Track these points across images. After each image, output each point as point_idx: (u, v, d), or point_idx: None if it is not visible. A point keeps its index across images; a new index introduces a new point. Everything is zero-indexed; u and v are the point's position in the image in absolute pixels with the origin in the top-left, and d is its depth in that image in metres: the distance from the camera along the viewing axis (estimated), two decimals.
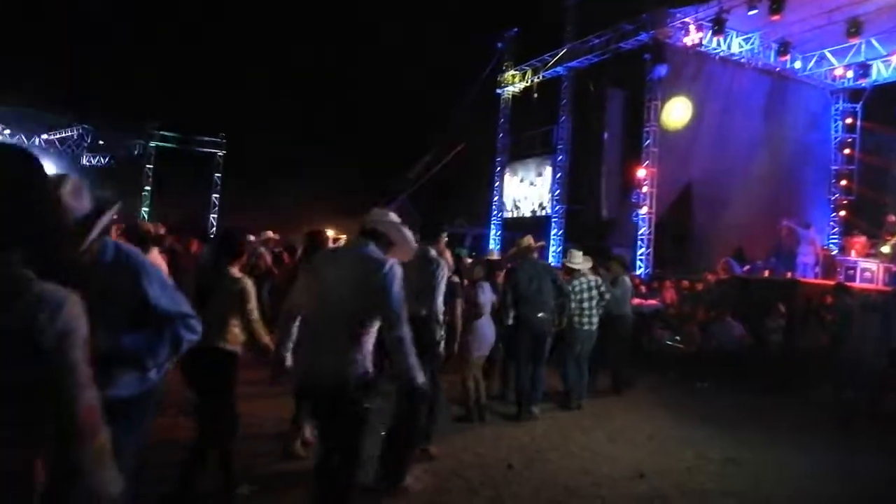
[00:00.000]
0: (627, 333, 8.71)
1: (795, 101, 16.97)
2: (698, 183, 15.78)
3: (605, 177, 18.49)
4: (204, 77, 25.43)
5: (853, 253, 12.68)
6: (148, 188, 24.17)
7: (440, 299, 4.70)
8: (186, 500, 3.76)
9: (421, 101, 24.60)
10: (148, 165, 24.20)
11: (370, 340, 3.09)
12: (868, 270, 11.88)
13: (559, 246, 18.28)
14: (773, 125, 16.42)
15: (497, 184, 22.09)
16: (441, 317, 4.78)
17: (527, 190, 22.10)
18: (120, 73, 23.44)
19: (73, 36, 22.82)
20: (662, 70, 14.89)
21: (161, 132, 24.14)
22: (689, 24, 14.60)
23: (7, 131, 22.54)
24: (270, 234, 10.89)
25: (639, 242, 15.43)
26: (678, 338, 10.50)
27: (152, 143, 24.19)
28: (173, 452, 3.92)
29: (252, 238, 9.62)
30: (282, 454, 4.84)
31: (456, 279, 5.87)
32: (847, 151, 17.42)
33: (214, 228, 22.60)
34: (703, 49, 15.15)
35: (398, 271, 3.06)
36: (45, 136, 22.81)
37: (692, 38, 14.61)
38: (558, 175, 19.17)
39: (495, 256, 8.41)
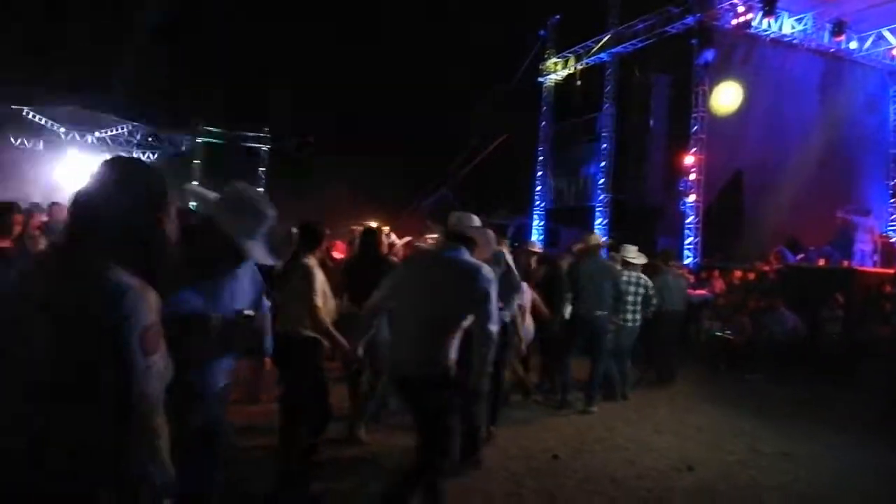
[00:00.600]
0: (674, 327, 8.52)
1: (851, 82, 16.31)
2: (749, 169, 15.37)
3: (651, 165, 18.13)
4: (249, 72, 25.86)
5: None
6: (195, 183, 24.77)
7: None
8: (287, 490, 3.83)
9: (463, 92, 24.52)
10: (195, 161, 24.79)
11: (458, 337, 3.31)
12: None
13: (604, 237, 18.01)
14: (828, 108, 15.81)
15: (540, 173, 21.89)
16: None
17: (570, 179, 21.83)
18: (168, 71, 24.02)
19: (124, 36, 23.47)
20: (710, 54, 14.51)
21: (207, 128, 24.71)
22: (737, 5, 14.17)
23: (62, 130, 23.39)
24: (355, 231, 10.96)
25: (686, 231, 15.11)
26: (728, 329, 10.23)
27: (199, 139, 24.78)
28: (264, 438, 4.07)
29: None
30: (346, 438, 4.98)
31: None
32: None
33: None
34: (753, 31, 14.70)
35: (493, 275, 3.33)
36: (97, 134, 23.54)
37: (741, 19, 14.17)
38: (602, 164, 18.88)
39: (536, 249, 8.38)
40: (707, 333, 10.46)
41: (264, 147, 25.51)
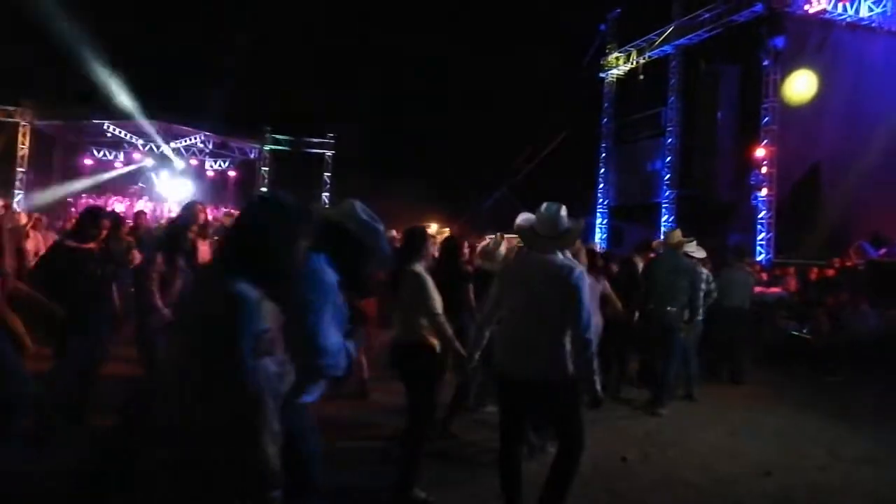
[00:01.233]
0: (739, 325, 8.22)
1: None
2: (827, 161, 14.68)
3: (720, 158, 17.52)
4: (313, 80, 26.49)
5: None
6: (263, 189, 25.57)
7: None
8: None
9: (522, 91, 24.41)
10: (263, 168, 25.61)
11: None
12: None
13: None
14: None
15: (602, 171, 21.53)
16: None
17: (633, 176, 21.36)
18: (236, 81, 24.87)
19: (193, 49, 24.44)
20: (780, 42, 13.93)
21: (274, 135, 25.49)
22: None
23: (140, 142, 24.59)
24: (394, 233, 11.16)
25: (758, 227, 14.58)
26: (804, 328, 9.80)
27: (266, 147, 25.59)
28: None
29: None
30: (439, 433, 5.02)
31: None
32: None
33: None
34: (827, 16, 14.04)
35: (586, 276, 3.43)
36: (172, 145, 24.68)
37: (815, 4, 13.56)
38: (668, 159, 18.41)
39: (596, 249, 8.39)
40: (783, 333, 10.04)
41: (328, 153, 26.12)
